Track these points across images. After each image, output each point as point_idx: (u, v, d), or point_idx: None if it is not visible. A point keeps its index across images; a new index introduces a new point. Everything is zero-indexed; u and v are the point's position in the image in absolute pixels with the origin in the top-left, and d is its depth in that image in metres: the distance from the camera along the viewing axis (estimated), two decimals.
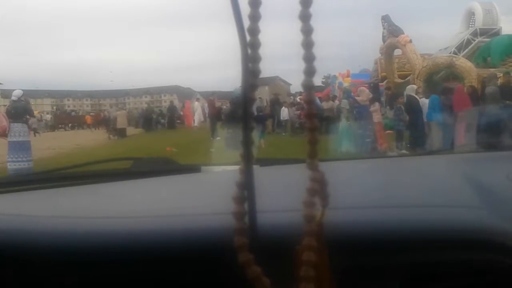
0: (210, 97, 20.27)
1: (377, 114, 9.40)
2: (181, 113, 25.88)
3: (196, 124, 20.60)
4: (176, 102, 36.08)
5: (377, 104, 9.77)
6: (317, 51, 0.35)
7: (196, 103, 22.69)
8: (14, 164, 8.22)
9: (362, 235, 0.55)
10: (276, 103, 17.97)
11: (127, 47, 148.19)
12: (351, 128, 9.76)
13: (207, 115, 19.04)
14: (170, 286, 0.56)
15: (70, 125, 35.52)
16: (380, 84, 16.05)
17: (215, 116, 15.26)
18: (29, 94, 10.01)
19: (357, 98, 9.98)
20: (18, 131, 8.47)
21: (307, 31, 0.35)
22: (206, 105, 19.94)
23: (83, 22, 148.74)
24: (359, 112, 9.73)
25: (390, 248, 0.54)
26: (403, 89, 11.03)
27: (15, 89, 9.10)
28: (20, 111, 8.64)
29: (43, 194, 0.92)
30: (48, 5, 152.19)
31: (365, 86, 13.65)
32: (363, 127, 9.60)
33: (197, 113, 20.97)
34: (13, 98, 8.82)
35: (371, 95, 9.87)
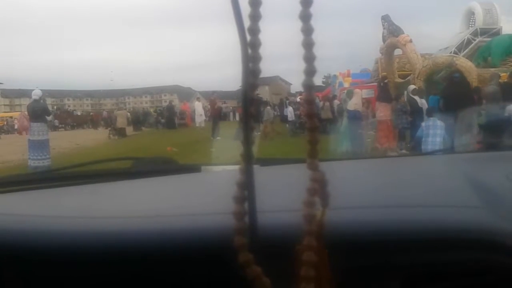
0: (210, 96, 20.23)
1: (381, 111, 9.29)
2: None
3: (196, 123, 20.59)
4: (176, 102, 36.01)
5: (382, 104, 9.65)
6: (317, 51, 0.35)
7: (197, 102, 22.66)
8: (34, 162, 8.38)
9: (362, 235, 0.54)
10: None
11: (127, 47, 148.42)
12: (351, 128, 9.72)
13: (207, 114, 19.02)
14: (170, 285, 0.56)
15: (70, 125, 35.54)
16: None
17: (216, 116, 15.25)
18: (29, 93, 10.03)
19: (349, 101, 9.89)
20: (37, 130, 8.58)
21: (307, 30, 0.35)
22: (207, 104, 19.92)
23: (83, 22, 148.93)
24: (350, 117, 9.67)
25: (390, 248, 0.54)
26: (403, 88, 10.98)
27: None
28: (40, 111, 8.72)
29: (43, 194, 0.92)
30: (48, 4, 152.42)
31: (373, 86, 13.53)
32: (363, 127, 9.58)
33: (198, 112, 20.94)
34: (35, 97, 8.87)
35: (362, 102, 9.71)
